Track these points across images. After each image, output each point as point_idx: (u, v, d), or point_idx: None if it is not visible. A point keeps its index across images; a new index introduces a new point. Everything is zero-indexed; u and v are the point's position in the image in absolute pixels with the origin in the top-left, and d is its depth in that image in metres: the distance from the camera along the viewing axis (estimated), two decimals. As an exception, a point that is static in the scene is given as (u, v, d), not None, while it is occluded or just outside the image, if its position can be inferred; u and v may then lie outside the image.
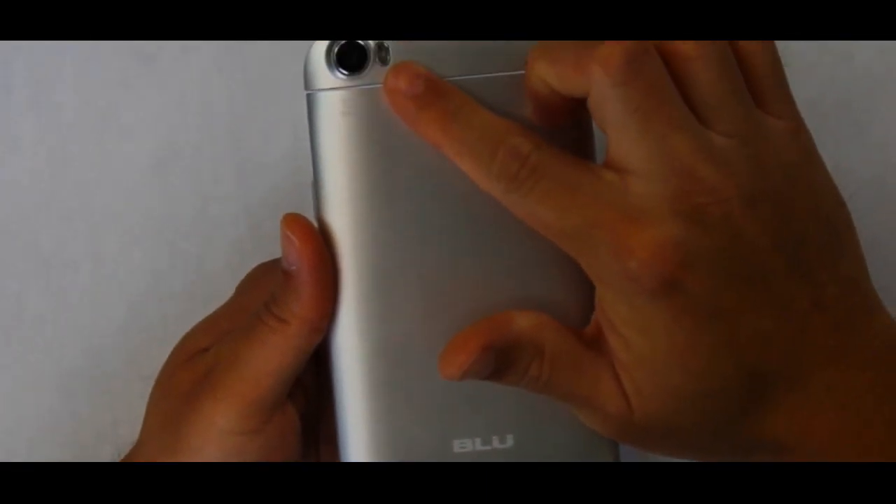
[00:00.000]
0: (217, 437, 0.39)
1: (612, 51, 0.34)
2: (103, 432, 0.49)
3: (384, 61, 0.38)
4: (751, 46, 0.36)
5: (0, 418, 0.50)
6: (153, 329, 0.49)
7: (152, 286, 0.50)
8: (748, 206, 0.34)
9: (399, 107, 0.37)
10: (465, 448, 0.38)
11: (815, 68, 0.51)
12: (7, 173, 0.51)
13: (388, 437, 0.38)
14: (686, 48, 0.35)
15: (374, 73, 0.38)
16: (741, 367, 0.35)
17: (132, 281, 0.50)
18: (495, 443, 0.38)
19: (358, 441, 0.39)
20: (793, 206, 0.36)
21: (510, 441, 0.38)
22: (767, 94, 0.36)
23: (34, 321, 0.50)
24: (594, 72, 0.34)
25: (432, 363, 0.37)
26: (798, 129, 0.37)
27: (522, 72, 0.37)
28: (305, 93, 0.38)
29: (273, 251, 0.41)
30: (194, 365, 0.41)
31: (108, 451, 0.45)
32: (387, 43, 0.38)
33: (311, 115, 0.38)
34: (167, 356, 0.43)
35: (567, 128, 0.38)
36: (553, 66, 0.36)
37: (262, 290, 0.40)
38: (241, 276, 0.44)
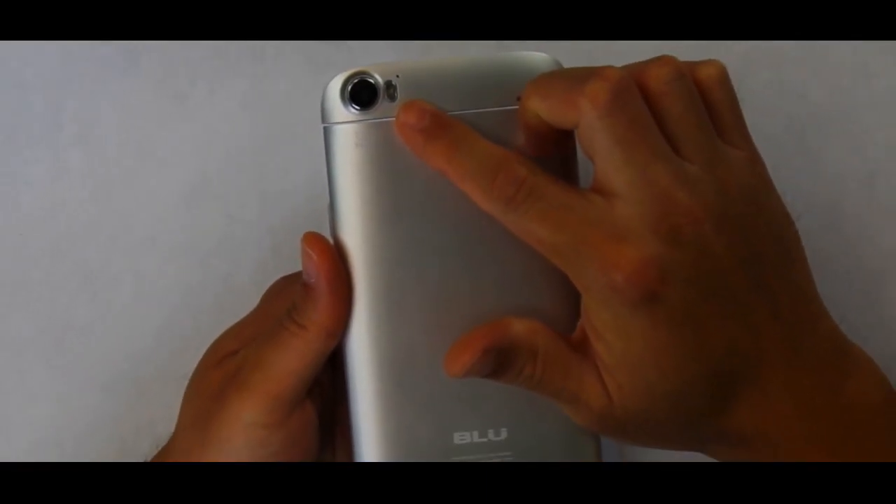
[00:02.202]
0: (243, 429, 0.40)
1: (600, 86, 0.36)
2: (142, 428, 0.50)
3: (392, 97, 0.40)
4: (710, 82, 0.38)
5: (52, 416, 0.51)
6: (186, 336, 0.51)
7: (185, 299, 0.52)
8: (716, 226, 0.36)
9: (409, 139, 0.39)
10: (464, 440, 0.40)
11: (774, 106, 0.52)
12: (58, 199, 0.52)
13: (395, 431, 0.40)
14: (656, 84, 0.37)
15: (384, 108, 0.40)
16: (709, 368, 0.37)
17: (168, 294, 0.52)
18: (491, 435, 0.40)
19: (368, 433, 0.40)
20: (752, 225, 0.37)
21: (504, 434, 0.40)
22: (726, 126, 0.38)
23: (82, 330, 0.52)
24: (583, 105, 0.36)
25: (436, 365, 0.39)
26: (754, 158, 0.39)
27: (516, 107, 0.39)
28: (322, 126, 0.40)
29: (293, 267, 0.43)
30: (223, 366, 0.42)
31: (146, 444, 0.45)
32: (394, 81, 0.40)
33: (327, 146, 0.40)
34: (199, 360, 0.44)
35: (555, 157, 0.40)
36: (545, 102, 0.38)
37: (284, 300, 0.42)
38: (264, 289, 0.46)
